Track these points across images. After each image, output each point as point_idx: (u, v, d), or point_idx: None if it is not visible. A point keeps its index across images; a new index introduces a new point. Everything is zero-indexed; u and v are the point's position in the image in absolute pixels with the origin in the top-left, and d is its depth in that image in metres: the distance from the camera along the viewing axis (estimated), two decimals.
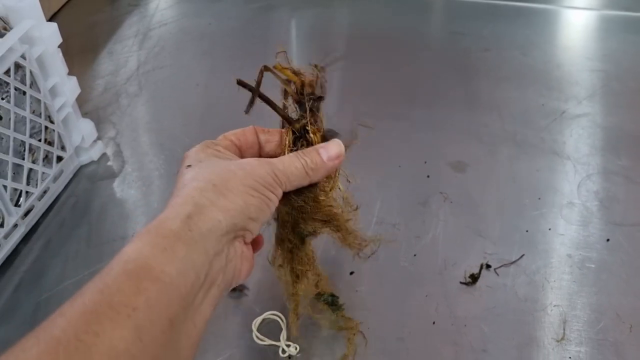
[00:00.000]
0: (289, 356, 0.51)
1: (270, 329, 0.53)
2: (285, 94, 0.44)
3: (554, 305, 0.54)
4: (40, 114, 0.61)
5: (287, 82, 0.43)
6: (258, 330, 0.53)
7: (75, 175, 0.70)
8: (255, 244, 0.42)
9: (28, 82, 0.58)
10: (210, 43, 0.92)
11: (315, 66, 0.43)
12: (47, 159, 0.64)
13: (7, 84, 0.56)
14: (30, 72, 0.59)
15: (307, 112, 0.43)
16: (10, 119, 0.56)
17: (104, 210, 0.66)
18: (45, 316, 0.30)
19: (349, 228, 0.45)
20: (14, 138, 0.57)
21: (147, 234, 0.34)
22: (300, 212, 0.43)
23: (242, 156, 0.43)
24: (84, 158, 0.71)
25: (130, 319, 0.29)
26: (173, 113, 0.79)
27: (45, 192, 0.65)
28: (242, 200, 0.36)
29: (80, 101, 0.70)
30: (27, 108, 0.58)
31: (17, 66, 0.57)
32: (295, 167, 0.40)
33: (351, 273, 0.57)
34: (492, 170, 0.68)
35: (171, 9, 1.01)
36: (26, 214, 0.62)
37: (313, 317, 0.52)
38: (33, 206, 0.63)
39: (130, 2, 1.02)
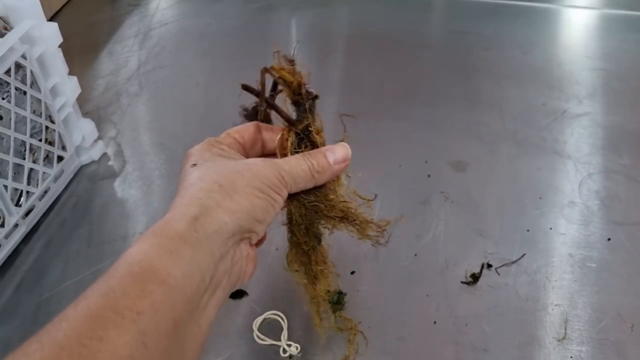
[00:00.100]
0: (290, 356, 0.51)
1: (271, 328, 0.53)
2: (273, 93, 0.44)
3: (555, 305, 0.54)
4: (41, 113, 0.61)
5: (285, 82, 0.43)
6: (259, 329, 0.53)
7: (76, 175, 0.70)
8: (258, 240, 0.42)
9: (28, 82, 0.58)
10: (211, 43, 0.92)
11: (291, 61, 0.42)
12: (47, 158, 0.64)
13: (8, 83, 0.56)
14: (31, 71, 0.59)
15: (307, 112, 0.42)
16: (10, 119, 0.56)
17: (104, 210, 0.66)
18: (46, 316, 0.30)
19: (367, 219, 0.44)
20: (15, 138, 0.57)
21: (153, 235, 0.33)
22: (314, 212, 0.43)
23: (245, 154, 0.43)
24: (85, 158, 0.71)
25: (135, 323, 0.29)
26: (174, 113, 0.79)
27: (46, 192, 0.65)
28: (249, 202, 0.36)
29: (81, 101, 0.70)
30: (28, 108, 0.58)
31: (18, 66, 0.57)
32: (301, 169, 0.40)
33: (352, 273, 0.57)
34: (493, 169, 0.68)
35: (171, 8, 1.01)
36: (27, 213, 0.62)
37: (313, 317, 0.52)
38: (34, 206, 0.63)
39: (131, 2, 1.02)
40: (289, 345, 0.51)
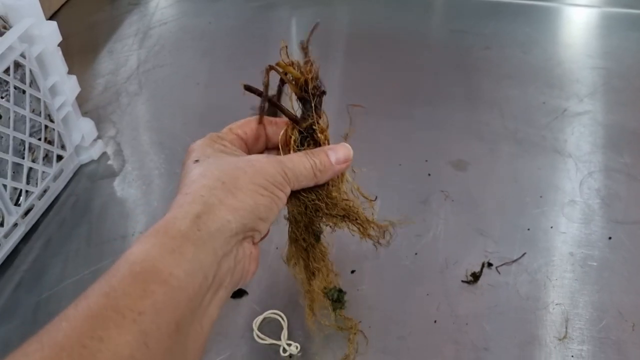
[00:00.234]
0: (290, 355, 0.51)
1: (271, 328, 0.53)
2: (279, 90, 0.44)
3: (556, 304, 0.54)
4: (40, 112, 0.61)
5: (291, 80, 0.43)
6: (259, 329, 0.52)
7: (75, 174, 0.70)
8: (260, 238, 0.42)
9: (28, 80, 0.58)
10: (211, 42, 0.92)
11: (303, 48, 0.42)
12: (47, 158, 0.63)
13: (7, 82, 0.55)
14: (30, 70, 0.58)
15: (313, 110, 0.42)
16: (10, 118, 0.56)
17: (104, 209, 0.66)
18: (45, 315, 0.30)
19: (368, 218, 0.44)
20: (14, 137, 0.57)
21: (155, 234, 0.33)
22: (315, 211, 0.43)
23: (248, 150, 0.43)
24: (84, 157, 0.71)
25: (136, 323, 0.29)
26: (173, 112, 0.79)
27: (45, 191, 0.65)
28: (252, 200, 0.36)
29: (81, 100, 0.70)
30: (27, 107, 0.58)
31: (17, 65, 0.57)
32: (304, 166, 0.40)
33: (352, 272, 0.57)
34: (493, 168, 0.68)
35: (171, 7, 1.00)
36: (26, 213, 0.62)
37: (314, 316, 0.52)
38: (33, 205, 0.63)
39: (131, 1, 1.02)
40: (289, 345, 0.51)
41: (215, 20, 0.97)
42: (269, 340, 0.52)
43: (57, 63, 0.63)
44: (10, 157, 0.57)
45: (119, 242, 0.61)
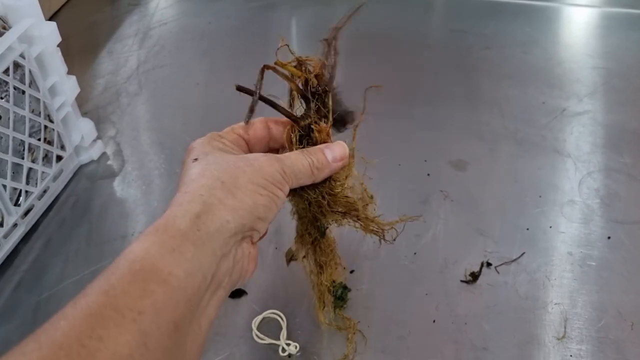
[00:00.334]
0: (289, 355, 0.51)
1: (270, 327, 0.53)
2: (290, 90, 0.44)
3: (555, 303, 0.54)
4: (40, 113, 0.61)
5: (291, 78, 0.43)
6: (258, 329, 0.52)
7: (75, 174, 0.70)
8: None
9: (27, 81, 0.58)
10: (211, 42, 0.92)
11: (327, 41, 0.42)
12: (46, 158, 0.63)
13: (6, 83, 0.56)
14: (30, 71, 0.59)
15: (312, 109, 0.42)
16: (9, 118, 0.56)
17: (104, 210, 0.66)
18: (45, 315, 0.29)
19: (369, 216, 0.44)
20: (13, 137, 0.57)
21: (155, 232, 0.33)
22: (317, 207, 0.43)
23: (249, 150, 0.42)
24: (84, 157, 0.71)
25: (136, 323, 0.29)
26: (173, 112, 0.79)
27: (45, 191, 0.65)
28: (251, 200, 0.36)
29: (80, 100, 0.70)
30: (27, 107, 0.58)
31: (16, 65, 0.57)
32: (302, 164, 0.40)
33: (352, 271, 0.57)
34: (493, 168, 0.68)
35: (171, 8, 1.01)
36: (26, 213, 0.62)
37: (313, 316, 0.52)
38: (33, 205, 0.63)
39: (130, 1, 1.02)
40: (288, 344, 0.51)
41: (215, 20, 0.97)
42: (268, 340, 0.52)
43: (57, 63, 0.63)
44: (10, 158, 0.57)
45: (119, 242, 0.61)
